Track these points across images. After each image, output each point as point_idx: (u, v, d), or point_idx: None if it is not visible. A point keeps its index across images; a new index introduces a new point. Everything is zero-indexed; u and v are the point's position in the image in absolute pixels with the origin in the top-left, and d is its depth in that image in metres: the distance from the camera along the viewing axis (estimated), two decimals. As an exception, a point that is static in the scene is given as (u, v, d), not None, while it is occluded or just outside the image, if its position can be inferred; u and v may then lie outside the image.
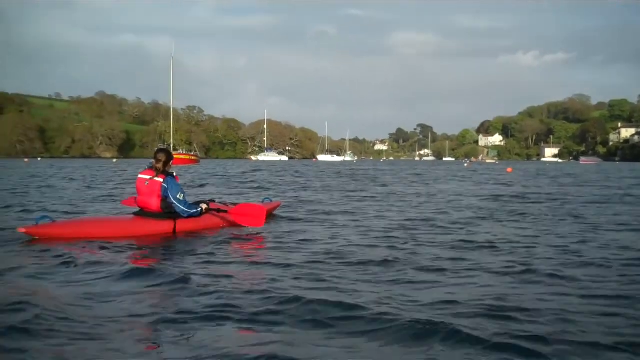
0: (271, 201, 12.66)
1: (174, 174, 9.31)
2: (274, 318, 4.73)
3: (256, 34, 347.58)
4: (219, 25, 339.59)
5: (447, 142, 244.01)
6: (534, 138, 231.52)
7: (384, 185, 25.61)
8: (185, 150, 79.35)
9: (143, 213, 9.31)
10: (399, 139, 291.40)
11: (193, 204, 9.73)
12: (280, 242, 8.70)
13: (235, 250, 8.04)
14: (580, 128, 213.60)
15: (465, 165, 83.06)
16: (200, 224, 9.68)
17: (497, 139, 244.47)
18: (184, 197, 9.32)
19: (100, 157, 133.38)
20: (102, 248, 7.88)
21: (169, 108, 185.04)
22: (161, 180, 9.11)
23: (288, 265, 6.83)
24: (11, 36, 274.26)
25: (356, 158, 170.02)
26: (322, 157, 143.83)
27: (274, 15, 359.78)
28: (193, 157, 74.15)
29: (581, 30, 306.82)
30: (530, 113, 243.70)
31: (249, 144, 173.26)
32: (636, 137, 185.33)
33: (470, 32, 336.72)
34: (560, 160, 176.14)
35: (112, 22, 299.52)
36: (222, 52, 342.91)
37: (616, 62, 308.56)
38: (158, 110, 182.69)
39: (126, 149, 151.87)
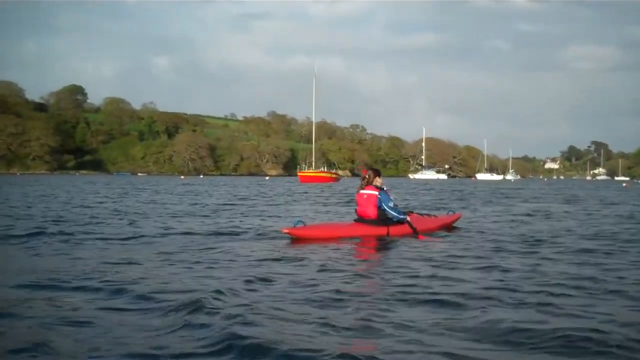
0: (454, 213, 14.90)
1: (385, 189, 11.99)
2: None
3: (426, 52, 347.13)
4: (388, 45, 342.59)
5: (620, 160, 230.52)
6: None
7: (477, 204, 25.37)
8: (326, 169, 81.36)
9: (362, 220, 11.86)
10: (571, 157, 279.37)
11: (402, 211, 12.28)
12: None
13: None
14: None
15: (624, 185, 78.65)
16: (404, 230, 11.92)
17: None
18: (394, 205, 11.97)
19: (266, 174, 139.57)
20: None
21: (333, 127, 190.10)
22: (376, 193, 11.74)
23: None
24: (197, 61, 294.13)
25: (518, 177, 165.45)
26: (481, 176, 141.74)
27: (443, 32, 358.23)
28: (333, 175, 75.98)
29: None
30: None
31: (411, 162, 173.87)
32: None
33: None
34: None
35: (287, 44, 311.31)
36: (391, 71, 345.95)
37: None
38: (324, 129, 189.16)
39: (290, 166, 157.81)
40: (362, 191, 11.90)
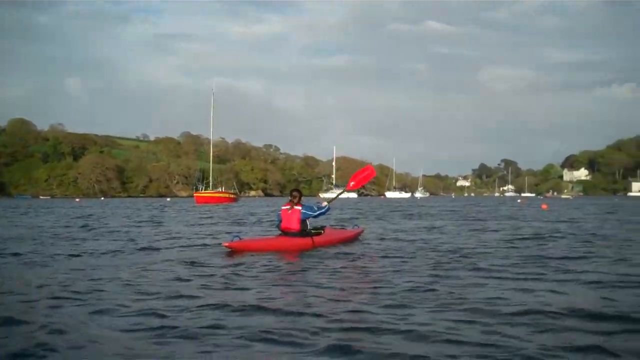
0: (358, 227, 16.91)
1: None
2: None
3: (343, 73, 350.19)
4: (305, 66, 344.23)
5: (527, 177, 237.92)
6: (622, 172, 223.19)
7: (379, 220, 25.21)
8: (225, 189, 79.81)
9: (287, 233, 13.47)
10: (482, 174, 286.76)
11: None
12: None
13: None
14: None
15: (519, 201, 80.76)
16: (328, 239, 14.00)
17: (582, 174, 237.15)
18: (316, 207, 13.80)
19: (176, 196, 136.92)
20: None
21: (248, 147, 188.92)
22: (299, 208, 13.38)
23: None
24: (113, 81, 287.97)
25: (427, 194, 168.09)
26: (390, 194, 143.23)
27: (359, 54, 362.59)
28: (232, 196, 74.62)
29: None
30: (618, 146, 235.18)
31: (324, 181, 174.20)
32: None
33: (564, 66, 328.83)
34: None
35: (206, 65, 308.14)
36: (309, 92, 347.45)
37: None
38: (239, 149, 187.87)
39: (207, 187, 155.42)
40: (284, 207, 13.59)
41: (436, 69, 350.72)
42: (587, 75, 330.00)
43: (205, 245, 14.62)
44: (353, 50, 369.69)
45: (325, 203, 14.24)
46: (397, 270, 9.79)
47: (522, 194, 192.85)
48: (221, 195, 71.06)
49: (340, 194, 16.44)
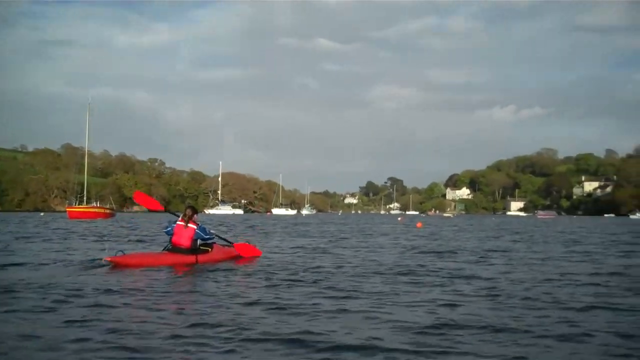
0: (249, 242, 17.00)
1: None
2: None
3: (233, 87, 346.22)
4: (194, 78, 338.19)
5: (412, 195, 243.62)
6: (501, 192, 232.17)
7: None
8: (100, 204, 76.49)
9: (176, 249, 13.72)
10: (369, 192, 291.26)
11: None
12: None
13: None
14: (545, 182, 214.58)
15: (399, 219, 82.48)
16: (213, 258, 14.16)
17: (464, 193, 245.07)
18: (208, 231, 14.20)
19: (54, 210, 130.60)
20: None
21: (132, 160, 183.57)
22: (194, 227, 13.73)
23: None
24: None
25: (314, 211, 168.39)
26: (276, 211, 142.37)
27: (250, 68, 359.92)
28: (108, 211, 71.43)
29: (558, 86, 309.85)
30: (498, 167, 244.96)
31: (210, 196, 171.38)
32: (599, 191, 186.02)
33: (448, 87, 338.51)
34: (522, 214, 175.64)
35: (91, 74, 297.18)
36: (198, 105, 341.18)
37: (588, 117, 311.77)
38: (122, 162, 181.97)
39: (82, 201, 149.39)
40: (179, 223, 13.73)
41: (327, 85, 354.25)
42: (471, 97, 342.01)
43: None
44: (243, 63, 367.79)
45: (214, 232, 14.78)
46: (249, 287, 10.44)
47: (407, 212, 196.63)
48: (95, 210, 67.64)
49: (225, 240, 15.77)
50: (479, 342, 6.43)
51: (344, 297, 9.23)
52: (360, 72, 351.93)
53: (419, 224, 52.59)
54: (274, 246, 21.59)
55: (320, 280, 11.27)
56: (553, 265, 14.87)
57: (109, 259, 12.54)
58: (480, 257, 17.02)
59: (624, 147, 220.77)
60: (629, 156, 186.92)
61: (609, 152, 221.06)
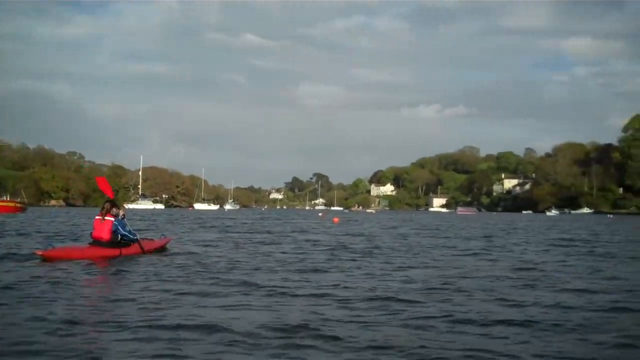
0: (166, 237, 18.99)
1: (123, 217, 15.09)
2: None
3: (159, 81, 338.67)
4: (118, 72, 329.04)
5: (337, 191, 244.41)
6: (424, 188, 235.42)
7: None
8: (10, 197, 73.22)
9: (97, 242, 14.47)
10: (295, 188, 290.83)
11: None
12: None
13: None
14: (467, 179, 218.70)
15: (319, 215, 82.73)
16: (136, 250, 15.17)
17: (388, 189, 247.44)
18: (129, 230, 15.14)
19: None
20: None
21: (51, 154, 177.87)
22: (112, 219, 14.45)
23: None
24: None
25: (237, 207, 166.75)
26: (198, 206, 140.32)
27: (176, 63, 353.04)
28: (18, 205, 68.15)
29: (481, 87, 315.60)
30: (422, 164, 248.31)
31: (131, 191, 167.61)
32: (517, 189, 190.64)
33: (374, 86, 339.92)
34: (444, 210, 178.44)
35: (9, 65, 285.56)
36: (122, 99, 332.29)
37: (510, 117, 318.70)
38: (40, 156, 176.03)
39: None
40: (98, 217, 14.51)
41: (255, 81, 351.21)
42: (397, 96, 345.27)
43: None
44: (170, 58, 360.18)
45: (137, 236, 15.61)
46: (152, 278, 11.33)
47: (332, 208, 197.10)
48: (4, 204, 64.34)
49: (143, 250, 15.58)
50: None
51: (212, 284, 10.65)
52: (287, 69, 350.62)
53: (335, 220, 53.28)
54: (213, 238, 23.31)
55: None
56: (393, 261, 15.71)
57: (39, 253, 13.49)
58: (362, 255, 17.40)
59: (543, 147, 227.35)
60: (548, 155, 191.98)
61: (529, 151, 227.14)
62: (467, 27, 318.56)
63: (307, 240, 23.60)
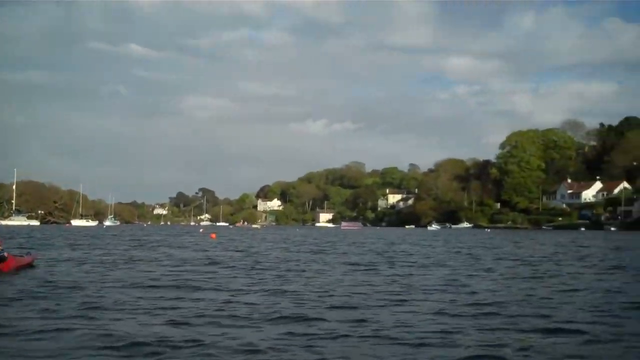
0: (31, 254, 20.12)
1: None
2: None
3: (37, 91, 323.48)
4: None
5: (223, 206, 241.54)
6: (311, 203, 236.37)
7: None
8: None
9: None
10: (180, 203, 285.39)
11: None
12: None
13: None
14: (352, 194, 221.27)
15: (201, 230, 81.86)
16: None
17: (275, 204, 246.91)
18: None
19: None
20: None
21: None
22: None
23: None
24: None
25: (118, 222, 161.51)
26: (76, 222, 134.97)
27: (56, 72, 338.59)
28: None
29: (367, 102, 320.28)
30: (309, 179, 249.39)
31: (5, 206, 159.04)
32: (401, 204, 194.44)
33: (262, 99, 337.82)
34: (330, 225, 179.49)
35: None
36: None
37: (395, 133, 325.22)
38: None
39: None
40: None
41: (139, 93, 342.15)
42: (285, 109, 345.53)
43: None
44: (49, 66, 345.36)
45: (7, 254, 16.79)
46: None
47: (217, 223, 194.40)
48: None
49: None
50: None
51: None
52: (173, 80, 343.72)
53: (212, 235, 53.98)
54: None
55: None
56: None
57: None
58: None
59: (426, 163, 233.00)
60: (430, 171, 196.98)
61: (412, 166, 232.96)
62: (353, 43, 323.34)
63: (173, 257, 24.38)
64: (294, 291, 13.82)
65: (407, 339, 8.35)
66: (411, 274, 18.71)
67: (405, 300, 12.59)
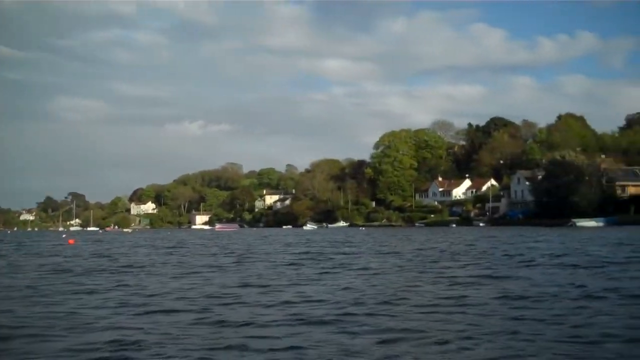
0: None
1: None
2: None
3: None
4: None
5: (93, 211, 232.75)
6: (187, 205, 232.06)
7: None
8: None
9: None
10: (48, 208, 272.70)
11: None
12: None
13: None
14: (229, 195, 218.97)
15: (63, 236, 78.23)
16: None
17: (150, 207, 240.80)
18: None
19: None
20: None
21: None
22: None
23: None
24: None
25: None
26: None
27: None
28: None
29: (245, 103, 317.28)
30: (184, 181, 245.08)
31: None
32: (279, 204, 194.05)
33: (135, 100, 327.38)
34: (206, 227, 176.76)
35: None
36: None
37: (272, 134, 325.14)
38: None
39: None
40: None
41: (3, 94, 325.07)
42: (160, 111, 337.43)
43: None
44: None
45: None
46: None
47: (87, 228, 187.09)
48: None
49: None
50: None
51: None
52: (41, 81, 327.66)
53: (70, 241, 52.08)
54: None
55: None
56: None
57: None
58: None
59: (303, 163, 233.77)
60: (307, 171, 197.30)
61: (289, 167, 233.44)
62: (229, 45, 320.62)
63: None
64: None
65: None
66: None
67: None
